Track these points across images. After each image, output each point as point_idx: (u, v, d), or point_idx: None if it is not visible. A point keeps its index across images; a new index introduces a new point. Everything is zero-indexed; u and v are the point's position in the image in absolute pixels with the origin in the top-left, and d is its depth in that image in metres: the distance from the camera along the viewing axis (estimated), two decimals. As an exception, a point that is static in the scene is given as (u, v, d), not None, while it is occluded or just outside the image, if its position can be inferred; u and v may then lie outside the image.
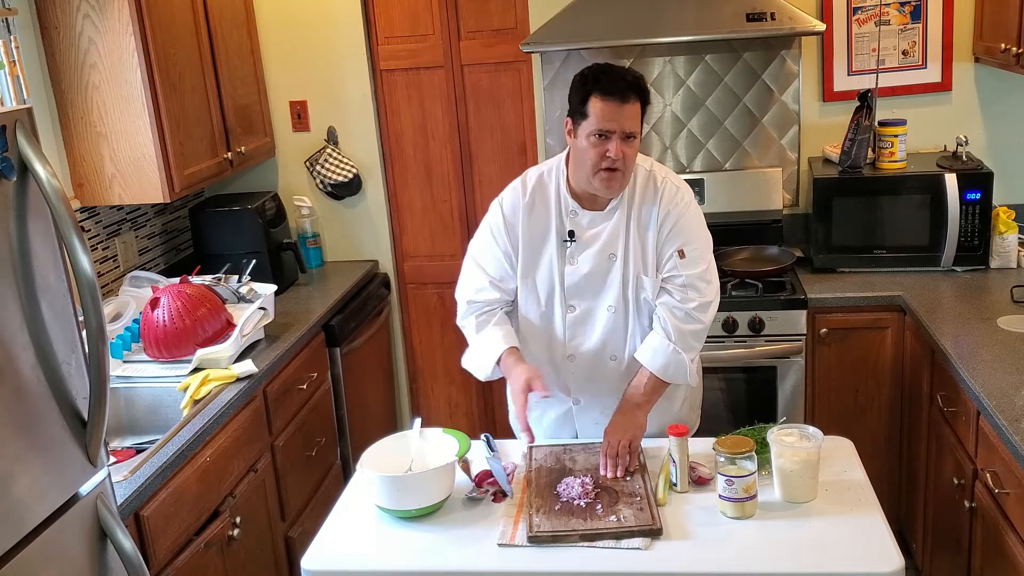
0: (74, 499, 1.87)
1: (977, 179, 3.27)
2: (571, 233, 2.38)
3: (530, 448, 2.37)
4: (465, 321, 2.48)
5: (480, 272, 2.46)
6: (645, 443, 2.35)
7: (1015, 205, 3.42)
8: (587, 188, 2.33)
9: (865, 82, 3.58)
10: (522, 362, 2.34)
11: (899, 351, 3.23)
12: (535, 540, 2.00)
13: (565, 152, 2.43)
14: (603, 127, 2.23)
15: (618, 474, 2.21)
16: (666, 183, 2.38)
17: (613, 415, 2.33)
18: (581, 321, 2.42)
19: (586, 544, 1.99)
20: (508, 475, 2.25)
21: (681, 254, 2.35)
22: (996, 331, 2.78)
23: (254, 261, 3.44)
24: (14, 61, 2.83)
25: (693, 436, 2.37)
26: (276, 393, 3.00)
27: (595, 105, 2.24)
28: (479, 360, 2.42)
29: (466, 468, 2.27)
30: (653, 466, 2.26)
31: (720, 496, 2.05)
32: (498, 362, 2.37)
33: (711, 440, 2.15)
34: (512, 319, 2.49)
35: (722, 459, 2.04)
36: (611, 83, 2.24)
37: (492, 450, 2.31)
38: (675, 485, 2.17)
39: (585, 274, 2.38)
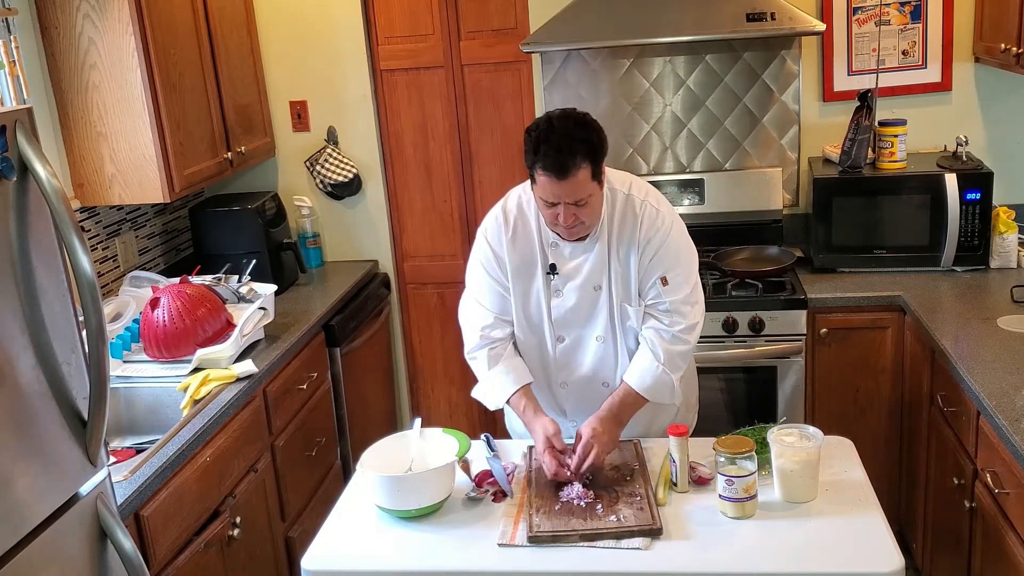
0: (74, 499, 1.87)
1: (977, 179, 3.27)
2: (552, 267, 2.36)
3: (530, 448, 2.37)
4: (476, 354, 2.43)
5: (482, 310, 2.43)
6: (645, 443, 2.36)
7: (1015, 205, 3.42)
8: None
9: (865, 82, 3.58)
10: (539, 413, 2.32)
11: (899, 351, 3.23)
12: (535, 540, 2.00)
13: None
14: (547, 199, 2.20)
15: (572, 476, 2.16)
16: (645, 207, 2.33)
17: (592, 418, 2.26)
18: (571, 351, 2.41)
19: (586, 544, 1.99)
20: (508, 475, 2.25)
21: (664, 281, 2.32)
22: (996, 331, 2.78)
23: (254, 261, 3.44)
24: (14, 61, 2.83)
25: (691, 436, 2.37)
26: (276, 393, 3.00)
27: (539, 176, 2.17)
28: (491, 395, 2.40)
29: (466, 468, 2.27)
30: (653, 466, 2.26)
31: (720, 496, 2.06)
32: (509, 399, 2.36)
33: (711, 440, 2.14)
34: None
35: (722, 459, 2.04)
36: (552, 157, 2.12)
37: (492, 450, 2.31)
38: (675, 484, 2.17)
39: (571, 307, 2.36)
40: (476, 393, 2.47)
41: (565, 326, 2.39)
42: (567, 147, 2.13)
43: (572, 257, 2.35)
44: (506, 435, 2.59)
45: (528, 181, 2.33)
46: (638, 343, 2.37)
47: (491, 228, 2.41)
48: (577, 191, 2.16)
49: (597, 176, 2.20)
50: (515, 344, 2.45)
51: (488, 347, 2.41)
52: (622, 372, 2.39)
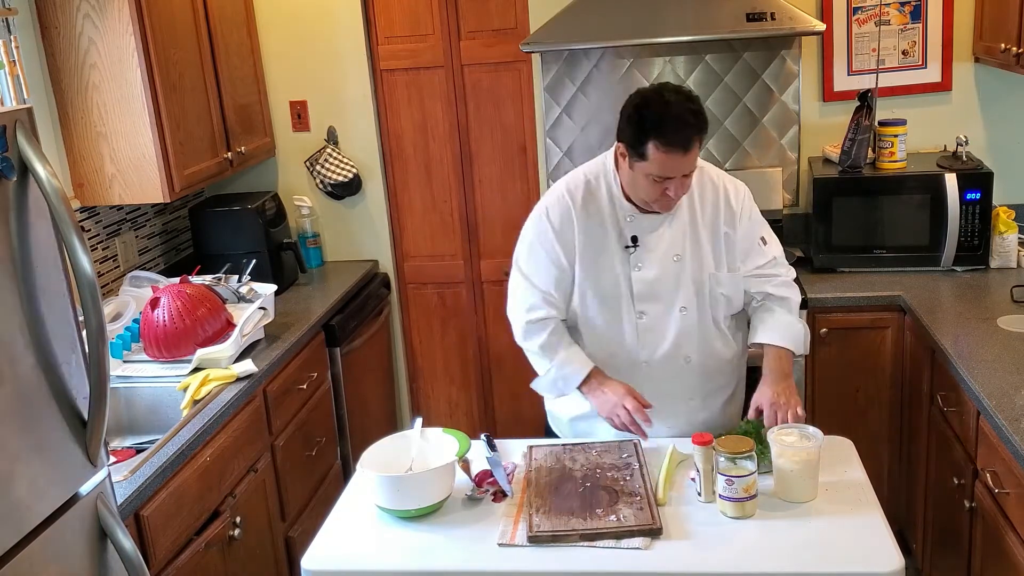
0: (74, 499, 1.87)
1: (977, 179, 3.27)
2: (634, 238, 2.35)
3: (530, 448, 2.37)
4: (528, 343, 2.42)
5: (532, 289, 2.40)
6: (646, 443, 2.35)
7: (1015, 205, 3.42)
8: (643, 204, 2.34)
9: (865, 82, 3.58)
10: (611, 378, 2.35)
11: (899, 351, 3.23)
12: (535, 540, 2.00)
13: (611, 158, 2.37)
14: (664, 174, 2.21)
15: (790, 419, 2.23)
16: (722, 178, 2.42)
17: (763, 387, 2.33)
18: (652, 327, 2.39)
19: (586, 544, 1.99)
20: (508, 475, 2.25)
21: (763, 241, 2.42)
22: (996, 331, 2.78)
23: (254, 261, 3.44)
24: (14, 61, 2.82)
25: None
26: (276, 393, 3.00)
27: (655, 153, 2.17)
28: (559, 385, 2.40)
29: (466, 468, 2.27)
30: (653, 466, 2.25)
31: (720, 496, 2.05)
32: (581, 384, 2.36)
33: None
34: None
35: (722, 459, 2.03)
36: (674, 132, 2.15)
37: (492, 450, 2.31)
38: (699, 495, 2.12)
39: (653, 278, 2.35)
40: (536, 385, 2.46)
41: (647, 299, 2.37)
42: (690, 122, 2.17)
43: (651, 229, 2.36)
44: (506, 435, 2.58)
45: (593, 162, 2.43)
46: (725, 316, 2.41)
47: (553, 206, 2.39)
48: (692, 164, 2.24)
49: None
50: (571, 331, 2.45)
51: (539, 331, 2.39)
52: (703, 346, 2.40)
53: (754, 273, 2.42)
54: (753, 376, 2.45)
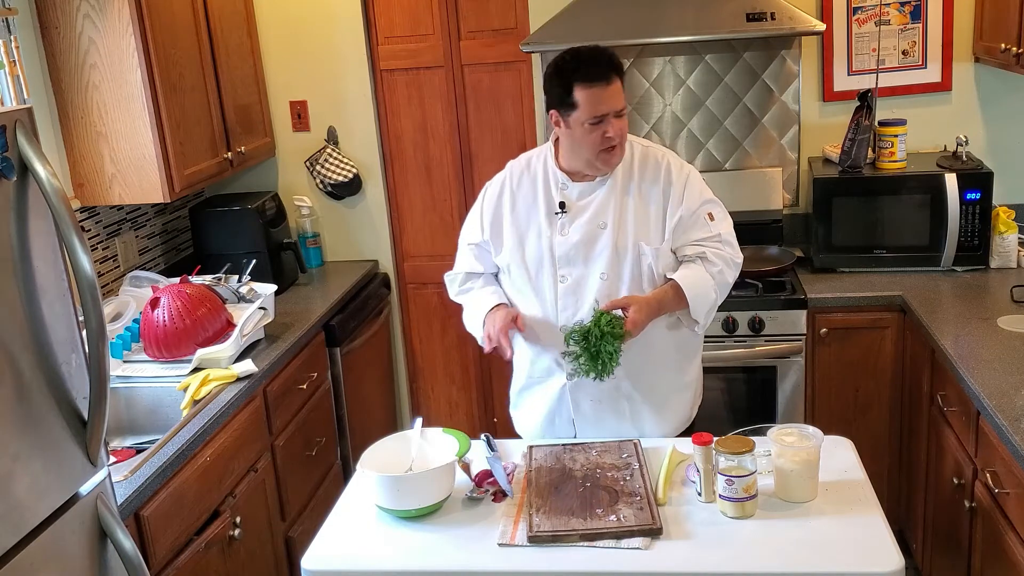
0: (74, 499, 1.87)
1: (977, 179, 3.27)
2: (562, 204, 2.42)
3: (530, 448, 2.37)
4: (451, 291, 2.61)
5: (461, 249, 2.59)
6: (646, 443, 2.35)
7: (1015, 205, 3.42)
8: (585, 169, 2.40)
9: (865, 82, 3.58)
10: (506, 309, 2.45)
11: (899, 351, 3.23)
12: (535, 540, 2.00)
13: (551, 140, 2.48)
14: (596, 113, 2.28)
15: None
16: (667, 156, 2.46)
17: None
18: (572, 291, 2.43)
19: (586, 544, 1.99)
20: (508, 475, 2.24)
21: (711, 216, 2.43)
22: (996, 331, 2.78)
23: (254, 261, 3.44)
24: (14, 61, 2.83)
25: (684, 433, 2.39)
26: (276, 393, 3.00)
27: (581, 94, 2.27)
28: (472, 320, 2.51)
29: (466, 468, 2.27)
30: (653, 466, 2.25)
31: (720, 496, 2.05)
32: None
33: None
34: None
35: (722, 459, 2.03)
36: (590, 69, 2.27)
37: (492, 450, 2.31)
38: (699, 495, 2.12)
39: (575, 243, 2.41)
40: (466, 325, 2.56)
41: (568, 264, 2.42)
42: (603, 59, 2.29)
43: (581, 197, 2.42)
44: (506, 435, 2.59)
45: (540, 146, 2.53)
46: (643, 289, 2.39)
47: (494, 183, 2.55)
48: (619, 99, 2.30)
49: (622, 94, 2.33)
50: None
51: (461, 280, 2.57)
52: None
53: (693, 243, 2.42)
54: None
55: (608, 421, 2.47)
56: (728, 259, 2.42)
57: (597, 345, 2.23)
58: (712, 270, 2.39)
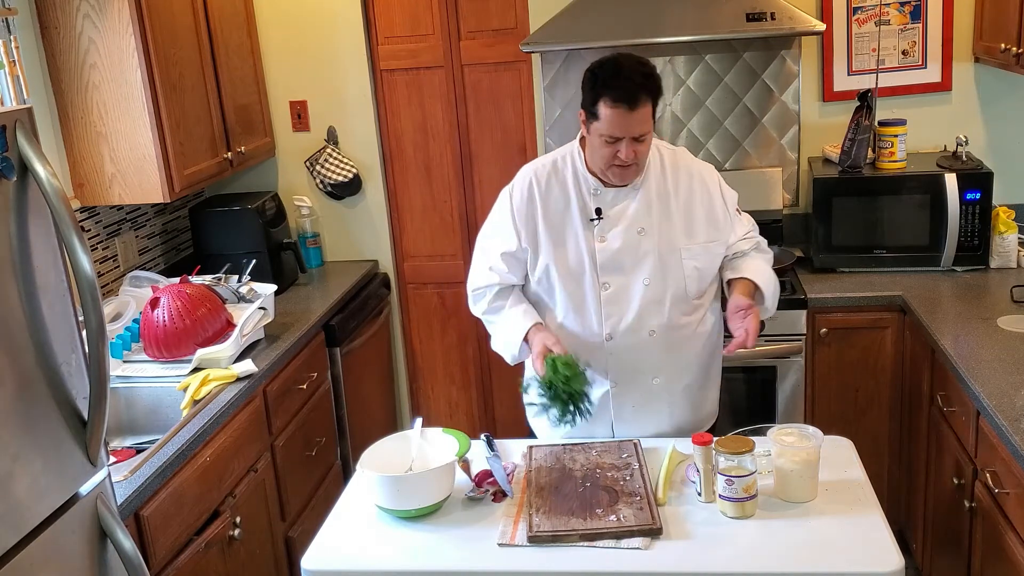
0: (74, 499, 1.87)
1: (977, 179, 3.27)
2: (598, 211, 2.39)
3: (530, 448, 2.37)
4: (475, 308, 2.52)
5: (484, 261, 2.49)
6: (646, 443, 2.35)
7: (1015, 205, 3.42)
8: (600, 175, 2.39)
9: (865, 82, 3.58)
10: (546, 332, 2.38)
11: (899, 351, 3.23)
12: (535, 540, 2.00)
13: (579, 137, 2.45)
14: (613, 133, 2.25)
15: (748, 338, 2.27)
16: (696, 164, 2.48)
17: (735, 296, 2.36)
18: (616, 299, 2.41)
19: (586, 544, 1.99)
20: (508, 475, 2.24)
21: (739, 211, 2.50)
22: (996, 331, 2.78)
23: (254, 261, 3.44)
24: (14, 61, 2.83)
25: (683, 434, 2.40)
26: (276, 393, 3.00)
27: (604, 110, 2.24)
28: (505, 344, 2.44)
29: (466, 468, 2.27)
30: (653, 466, 2.25)
31: (720, 496, 2.05)
32: (525, 339, 2.39)
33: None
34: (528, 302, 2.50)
35: (722, 459, 2.03)
36: (621, 88, 2.22)
37: (492, 450, 2.31)
38: (699, 495, 2.12)
39: (616, 249, 2.38)
40: (494, 346, 2.51)
41: (610, 271, 2.40)
42: (638, 81, 2.23)
43: (615, 202, 2.40)
44: (506, 435, 2.58)
45: (564, 146, 2.48)
46: (697, 290, 2.42)
47: (518, 184, 2.47)
48: (641, 125, 2.26)
49: (653, 116, 2.30)
50: (539, 310, 2.48)
51: (490, 297, 2.46)
52: (667, 319, 2.40)
53: (743, 237, 2.48)
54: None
55: (646, 422, 2.47)
56: (766, 248, 2.52)
57: (564, 391, 2.21)
58: (767, 258, 2.49)
